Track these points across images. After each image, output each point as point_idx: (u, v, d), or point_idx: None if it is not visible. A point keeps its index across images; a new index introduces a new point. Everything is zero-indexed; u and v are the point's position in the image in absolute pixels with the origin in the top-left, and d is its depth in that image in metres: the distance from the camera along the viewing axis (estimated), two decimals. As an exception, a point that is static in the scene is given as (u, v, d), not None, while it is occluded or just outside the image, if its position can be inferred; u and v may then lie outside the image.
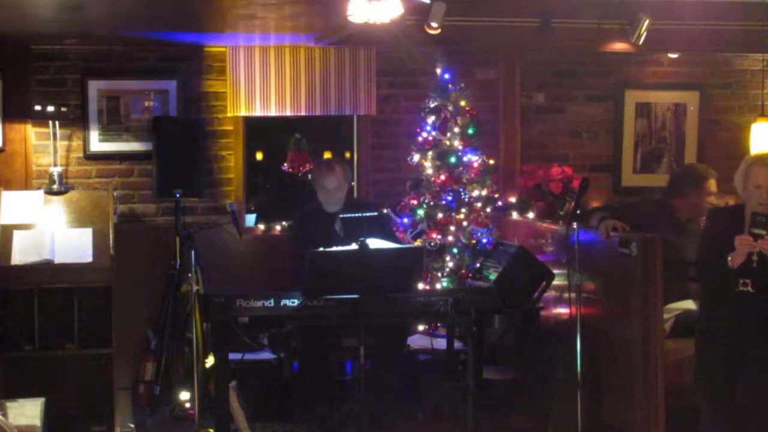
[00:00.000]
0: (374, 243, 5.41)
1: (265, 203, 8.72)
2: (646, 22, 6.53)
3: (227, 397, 5.32)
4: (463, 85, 6.87)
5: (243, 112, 7.17)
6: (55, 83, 7.02)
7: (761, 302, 4.63)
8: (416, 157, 6.81)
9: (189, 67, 7.19)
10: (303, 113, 7.26)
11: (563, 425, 5.37)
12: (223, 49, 7.14)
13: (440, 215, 6.69)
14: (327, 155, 8.63)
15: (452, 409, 5.99)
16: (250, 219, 7.76)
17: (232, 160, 7.28)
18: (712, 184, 5.85)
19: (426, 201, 6.72)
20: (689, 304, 5.60)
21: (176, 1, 5.80)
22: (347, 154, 7.79)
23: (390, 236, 6.12)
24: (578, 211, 5.30)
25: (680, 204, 5.84)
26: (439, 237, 6.63)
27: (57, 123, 6.86)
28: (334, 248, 5.44)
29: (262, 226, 7.38)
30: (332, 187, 6.18)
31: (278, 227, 7.30)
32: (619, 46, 6.97)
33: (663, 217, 5.75)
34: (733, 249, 4.58)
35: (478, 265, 6.10)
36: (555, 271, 5.77)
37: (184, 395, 6.30)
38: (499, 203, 7.00)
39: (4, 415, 4.02)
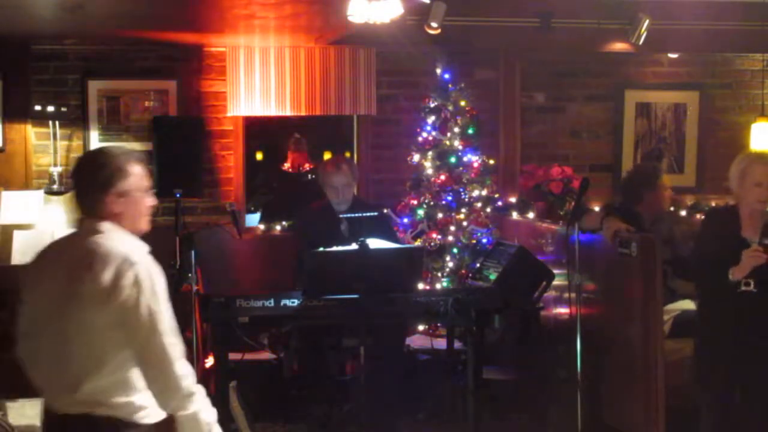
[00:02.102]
0: (374, 243, 5.41)
1: (270, 203, 8.71)
2: (646, 22, 6.53)
3: (227, 397, 5.32)
4: (463, 85, 6.87)
5: (243, 112, 7.17)
6: (55, 83, 7.02)
7: (763, 301, 4.61)
8: (416, 157, 6.81)
9: (189, 67, 7.20)
10: (303, 113, 7.25)
11: (563, 425, 5.36)
12: (222, 49, 7.14)
13: (440, 215, 6.69)
14: (327, 155, 8.62)
15: (452, 409, 5.99)
16: (251, 219, 7.75)
17: (232, 160, 7.28)
18: (665, 179, 5.88)
19: (426, 201, 6.72)
20: (687, 305, 5.59)
21: (176, 1, 5.80)
22: (347, 154, 7.78)
23: (391, 236, 6.11)
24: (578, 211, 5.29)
25: (642, 208, 5.82)
26: (439, 237, 6.63)
27: (57, 123, 6.86)
28: (334, 248, 5.43)
29: (262, 226, 7.38)
30: (341, 185, 6.14)
31: (278, 227, 7.29)
32: (619, 46, 6.97)
33: (631, 222, 5.70)
34: (730, 251, 4.56)
35: (478, 265, 6.09)
36: (555, 271, 5.76)
37: (184, 395, 6.29)
38: (499, 203, 7.00)
39: (4, 415, 4.02)
